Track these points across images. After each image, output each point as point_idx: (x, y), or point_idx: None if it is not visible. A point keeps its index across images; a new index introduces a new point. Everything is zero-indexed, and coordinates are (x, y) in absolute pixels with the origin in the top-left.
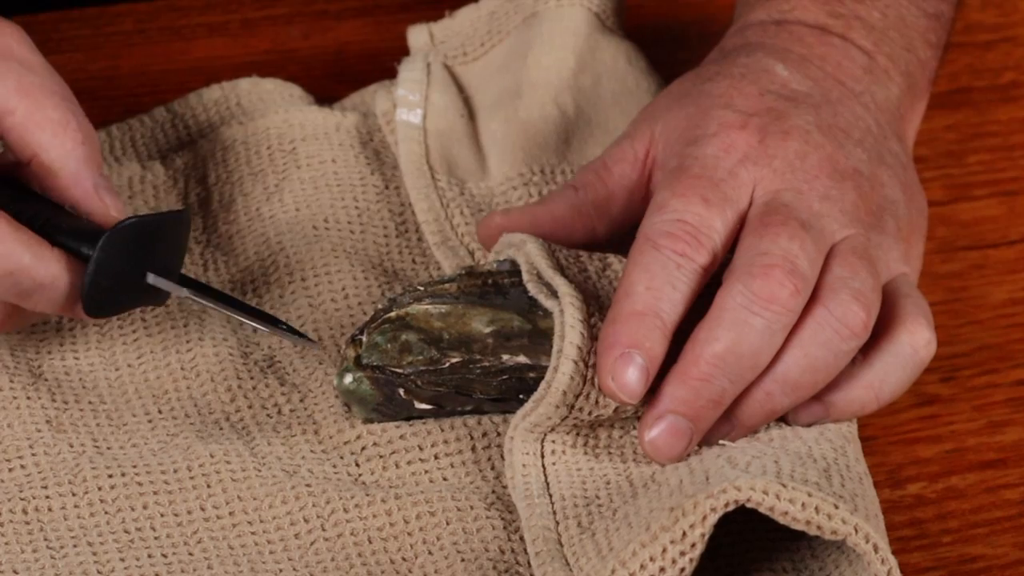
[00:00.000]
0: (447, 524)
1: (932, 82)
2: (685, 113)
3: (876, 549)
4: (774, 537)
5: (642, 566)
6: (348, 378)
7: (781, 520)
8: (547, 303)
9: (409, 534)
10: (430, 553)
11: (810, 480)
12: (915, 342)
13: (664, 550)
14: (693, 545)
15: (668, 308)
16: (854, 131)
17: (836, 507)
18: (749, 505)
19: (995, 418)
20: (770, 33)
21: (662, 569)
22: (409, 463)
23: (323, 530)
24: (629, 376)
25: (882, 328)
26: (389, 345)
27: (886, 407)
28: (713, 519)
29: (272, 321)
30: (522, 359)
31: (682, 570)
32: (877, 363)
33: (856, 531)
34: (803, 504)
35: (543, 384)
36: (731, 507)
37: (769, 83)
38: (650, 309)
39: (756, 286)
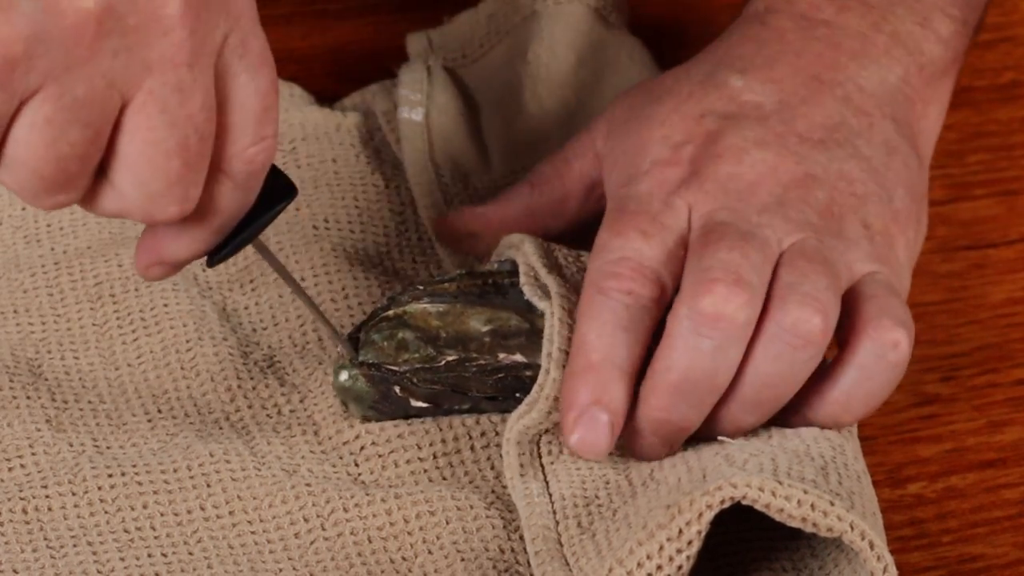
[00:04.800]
0: (447, 523)
1: (960, 57)
2: (627, 145)
3: (872, 546)
4: (773, 536)
5: (639, 564)
6: (344, 375)
7: (777, 517)
8: (540, 304)
9: (409, 533)
10: (430, 552)
11: (807, 478)
12: (879, 348)
13: (661, 548)
14: (690, 543)
15: (624, 352)
16: (815, 131)
17: (832, 504)
18: (745, 502)
19: (995, 418)
20: (750, 34)
21: (659, 567)
22: (408, 462)
23: (323, 529)
24: (593, 436)
25: (844, 337)
26: (386, 343)
27: (886, 407)
28: (709, 516)
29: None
30: (518, 358)
31: (679, 568)
32: (841, 378)
33: (852, 528)
34: (799, 501)
35: (536, 387)
36: (727, 504)
37: (715, 101)
38: (605, 358)
39: (700, 306)
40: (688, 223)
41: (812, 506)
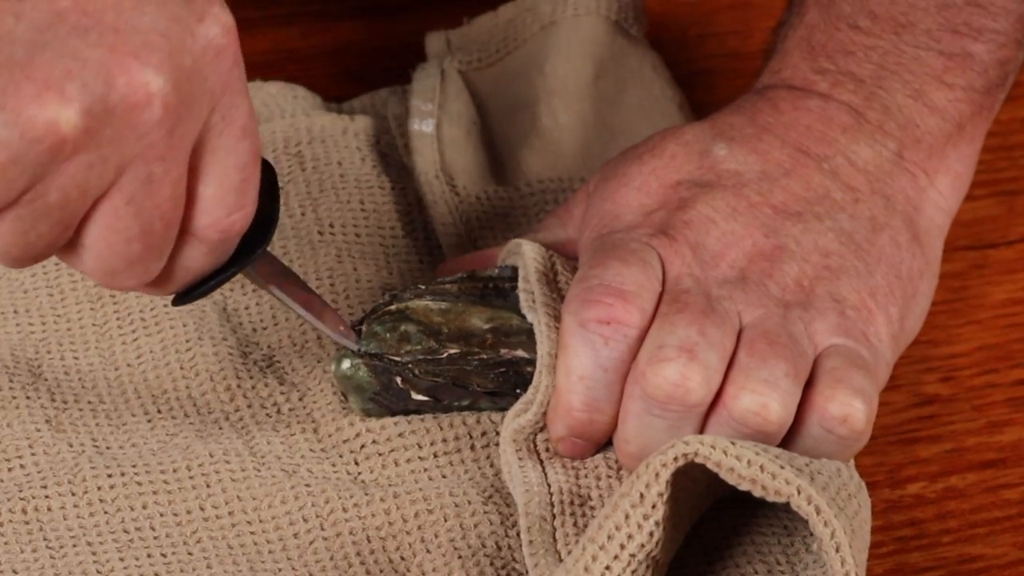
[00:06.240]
0: (444, 521)
1: (971, 120)
2: (604, 207)
3: (818, 511)
4: (766, 531)
5: (610, 537)
6: (346, 363)
7: (728, 479)
8: (531, 315)
9: (407, 532)
10: (428, 552)
11: (769, 451)
12: (827, 423)
13: (627, 516)
14: (654, 506)
15: (605, 395)
16: (793, 203)
17: (782, 468)
18: (697, 460)
19: (995, 418)
20: (746, 106)
21: (630, 536)
22: (408, 461)
23: (322, 529)
24: (577, 453)
25: (797, 411)
26: (388, 335)
27: (885, 407)
28: (666, 474)
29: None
30: (520, 353)
31: (651, 534)
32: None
33: (799, 492)
34: (749, 461)
35: (531, 388)
36: (680, 462)
37: (695, 169)
38: (585, 403)
39: (651, 387)
40: (662, 269)
41: (761, 468)
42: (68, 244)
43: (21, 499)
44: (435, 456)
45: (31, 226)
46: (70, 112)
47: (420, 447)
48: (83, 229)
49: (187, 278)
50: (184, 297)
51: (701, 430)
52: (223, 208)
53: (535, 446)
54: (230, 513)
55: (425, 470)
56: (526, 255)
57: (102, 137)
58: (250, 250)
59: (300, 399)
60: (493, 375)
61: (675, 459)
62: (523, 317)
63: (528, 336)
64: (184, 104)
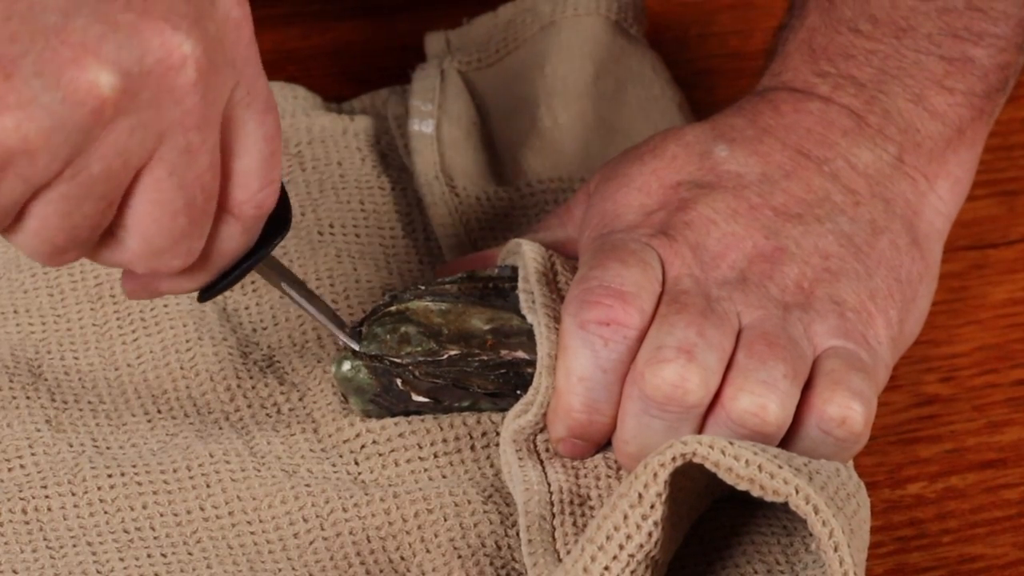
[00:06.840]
0: (444, 520)
1: (965, 129)
2: (605, 207)
3: (816, 510)
4: (766, 531)
5: (608, 537)
6: (347, 365)
7: (727, 479)
8: (530, 316)
9: (407, 532)
10: (428, 551)
11: (767, 451)
12: (825, 424)
13: (625, 516)
14: (652, 506)
15: (604, 396)
16: (793, 205)
17: (779, 467)
18: (696, 460)
19: (995, 418)
20: (747, 107)
21: (629, 536)
22: (408, 461)
23: (322, 529)
24: (578, 453)
25: (796, 412)
26: (388, 336)
27: (885, 407)
28: (664, 474)
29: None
30: (520, 354)
31: (649, 535)
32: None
33: (797, 491)
34: (747, 461)
35: (532, 389)
36: (679, 461)
37: (695, 170)
38: (585, 404)
39: (649, 388)
40: (662, 270)
41: (759, 467)
42: (108, 231)
43: (21, 499)
44: (435, 456)
45: (75, 206)
46: (109, 74)
47: (420, 447)
48: (125, 209)
49: (222, 262)
50: (209, 291)
51: (700, 431)
52: (257, 181)
53: (535, 446)
54: (230, 513)
55: (425, 470)
56: (526, 255)
57: (140, 100)
58: (269, 239)
59: (300, 399)
60: (493, 376)
61: (673, 459)
62: (523, 318)
63: (528, 337)
64: (214, 69)
